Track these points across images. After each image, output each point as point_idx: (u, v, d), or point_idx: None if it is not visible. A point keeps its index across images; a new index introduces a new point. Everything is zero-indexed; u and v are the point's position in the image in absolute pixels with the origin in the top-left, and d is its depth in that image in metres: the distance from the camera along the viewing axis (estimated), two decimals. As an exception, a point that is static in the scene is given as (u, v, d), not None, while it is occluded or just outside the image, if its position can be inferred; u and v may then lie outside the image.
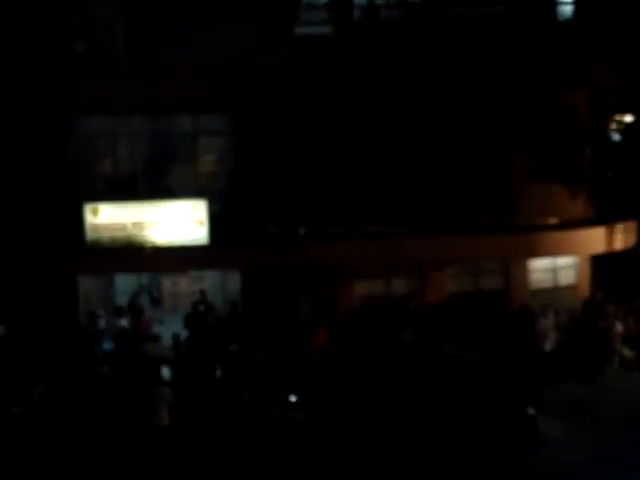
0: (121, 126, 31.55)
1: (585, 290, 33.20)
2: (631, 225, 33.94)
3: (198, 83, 29.96)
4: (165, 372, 25.52)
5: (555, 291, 32.75)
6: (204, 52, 30.08)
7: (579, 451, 21.94)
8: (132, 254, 30.08)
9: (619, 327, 30.01)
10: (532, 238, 32.13)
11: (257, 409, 22.31)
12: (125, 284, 32.09)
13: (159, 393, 23.91)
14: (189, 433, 23.14)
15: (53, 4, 29.87)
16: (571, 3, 33.49)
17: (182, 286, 32.20)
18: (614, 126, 47.37)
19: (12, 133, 30.11)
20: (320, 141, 31.26)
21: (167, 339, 28.58)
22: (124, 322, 29.86)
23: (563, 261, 33.22)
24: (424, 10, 31.74)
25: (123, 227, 30.17)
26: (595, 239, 32.94)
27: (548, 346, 29.22)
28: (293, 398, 21.99)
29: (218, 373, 26.56)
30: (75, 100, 29.89)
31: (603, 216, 33.77)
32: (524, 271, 32.78)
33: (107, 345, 28.49)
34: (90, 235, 29.94)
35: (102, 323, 30.09)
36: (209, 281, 31.96)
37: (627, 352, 29.85)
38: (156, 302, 31.71)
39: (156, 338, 28.99)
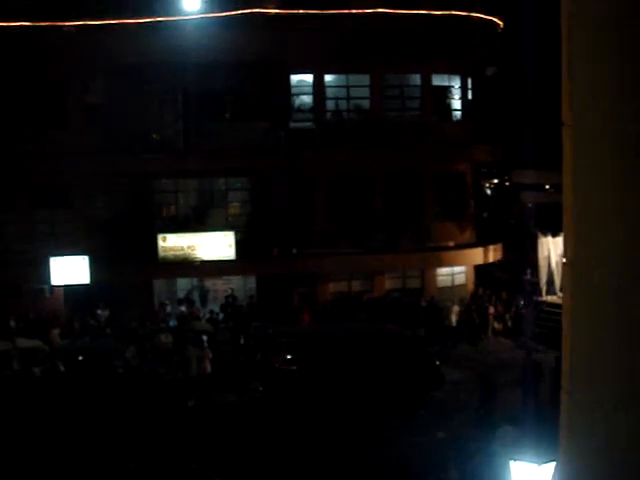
0: (180, 185, 31.56)
1: (471, 287, 33.01)
2: (498, 246, 33.57)
3: (228, 158, 29.68)
4: (205, 340, 25.63)
5: (453, 288, 32.40)
6: (232, 138, 30.19)
7: (467, 388, 22.10)
8: (187, 266, 29.87)
9: (491, 309, 29.98)
10: (438, 254, 31.98)
11: (267, 364, 22.39)
12: (183, 285, 31.97)
13: (199, 352, 24.10)
14: (224, 378, 23.19)
15: (138, 111, 29.95)
16: (459, 110, 33.69)
17: (218, 286, 31.97)
18: (487, 185, 47.84)
19: (112, 190, 30.20)
20: (306, 194, 31.00)
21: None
22: (182, 308, 29.96)
23: (457, 269, 32.99)
24: (371, 114, 31.84)
25: (181, 249, 29.85)
26: (476, 255, 32.69)
27: (453, 322, 29.34)
28: (289, 357, 22.16)
29: (242, 341, 26.75)
30: (152, 169, 29.89)
31: (481, 240, 33.69)
32: (433, 275, 32.52)
33: (172, 323, 28.51)
34: (161, 254, 29.70)
35: (168, 309, 30.18)
36: (236, 282, 31.42)
37: (496, 325, 29.85)
38: (203, 297, 31.45)
39: (200, 318, 29.22)
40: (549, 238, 30.19)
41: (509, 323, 29.80)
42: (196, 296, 31.15)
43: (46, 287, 29.77)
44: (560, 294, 28.64)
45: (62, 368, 22.07)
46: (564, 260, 3.55)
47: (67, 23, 29.40)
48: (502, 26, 33.29)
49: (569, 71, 3.22)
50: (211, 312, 29.12)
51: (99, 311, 28.78)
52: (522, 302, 30.31)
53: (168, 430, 17.98)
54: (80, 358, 22.66)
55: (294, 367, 21.86)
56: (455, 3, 31.24)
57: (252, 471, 14.90)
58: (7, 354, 21.81)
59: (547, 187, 43.24)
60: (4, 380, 20.98)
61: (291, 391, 20.99)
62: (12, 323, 27.00)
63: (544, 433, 8.34)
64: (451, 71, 32.95)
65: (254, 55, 29.21)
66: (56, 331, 26.53)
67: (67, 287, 29.40)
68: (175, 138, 30.29)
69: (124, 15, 29.46)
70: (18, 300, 29.11)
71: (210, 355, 23.96)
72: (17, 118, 30.21)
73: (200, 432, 18.03)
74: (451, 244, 32.55)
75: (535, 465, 8.08)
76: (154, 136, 30.00)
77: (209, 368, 23.68)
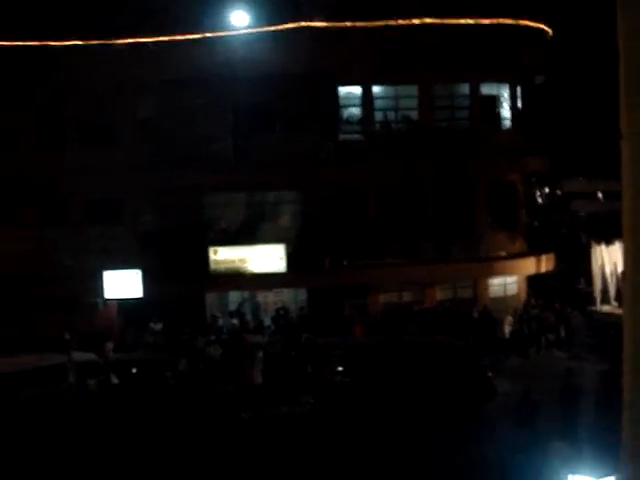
0: (231, 198, 31.58)
1: (523, 297, 32.62)
2: (550, 255, 33.28)
3: (278, 171, 29.91)
4: (259, 354, 25.66)
5: (505, 298, 32.09)
6: (281, 151, 30.27)
7: (518, 399, 21.96)
8: (238, 279, 29.97)
9: (549, 319, 29.46)
10: (489, 265, 31.78)
11: (318, 376, 22.42)
12: (234, 298, 31.96)
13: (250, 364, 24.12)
14: (275, 389, 23.09)
15: (188, 125, 30.25)
16: (509, 119, 33.48)
17: (269, 298, 32.02)
18: (538, 194, 47.39)
19: (163, 205, 30.46)
20: (356, 205, 30.99)
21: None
22: (234, 321, 30.07)
23: (510, 279, 32.70)
24: (419, 124, 31.78)
25: (233, 261, 29.99)
26: (529, 265, 32.41)
27: (506, 334, 28.88)
28: (341, 369, 22.17)
29: (293, 353, 26.73)
30: (203, 183, 30.12)
31: (533, 250, 33.40)
32: (486, 286, 32.15)
33: (224, 336, 28.62)
34: (212, 267, 29.85)
35: (220, 322, 30.34)
36: (287, 295, 31.46)
37: (549, 336, 29.59)
38: (255, 310, 31.51)
39: (252, 331, 29.22)
40: (602, 247, 29.78)
41: (562, 334, 29.37)
42: (247, 309, 31.24)
43: (99, 301, 30.15)
44: (614, 303, 28.27)
45: (116, 380, 22.33)
46: (621, 271, 3.50)
47: (117, 41, 29.93)
48: (551, 34, 33.06)
49: (627, 85, 3.19)
50: (262, 324, 29.20)
51: (152, 324, 29.01)
52: (575, 312, 29.88)
53: (223, 442, 18.07)
54: (133, 370, 22.90)
55: (346, 379, 21.83)
56: (503, 12, 31.09)
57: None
58: (63, 367, 22.13)
59: (599, 195, 42.69)
60: (61, 392, 21.28)
61: (343, 403, 20.93)
62: (67, 336, 27.37)
63: (599, 447, 8.26)
64: (500, 80, 32.79)
65: (302, 68, 29.42)
66: (110, 344, 26.80)
67: (120, 301, 29.74)
68: (225, 152, 30.47)
69: (173, 31, 29.87)
70: (72, 314, 29.52)
71: (261, 366, 23.99)
72: (69, 133, 30.83)
73: (254, 444, 18.09)
74: (503, 254, 32.26)
75: (593, 479, 7.98)
76: (206, 150, 30.09)
77: (260, 379, 23.71)
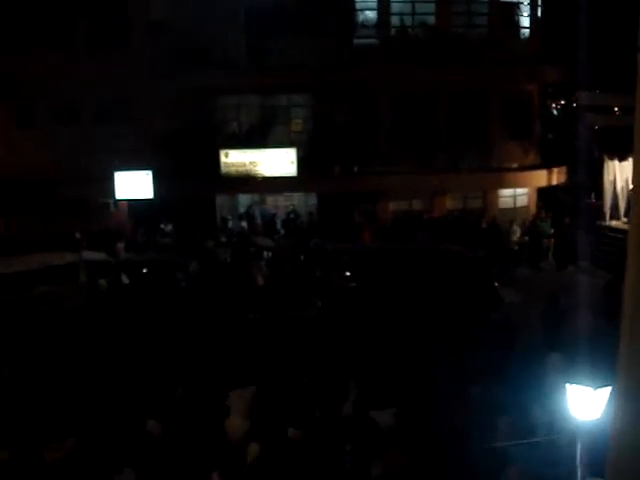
0: (243, 100, 31.47)
1: (533, 209, 32.54)
2: (563, 168, 33.16)
3: (291, 74, 29.61)
4: (265, 255, 25.87)
5: (514, 210, 32.05)
6: (295, 55, 29.98)
7: (524, 310, 21.87)
8: (249, 181, 30.12)
9: (552, 232, 29.52)
10: (501, 176, 31.74)
11: (327, 280, 22.54)
12: (245, 200, 32.18)
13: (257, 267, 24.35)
14: (280, 290, 23.25)
15: (201, 27, 29.79)
16: (528, 27, 32.89)
17: (280, 202, 32.17)
18: (553, 106, 46.80)
19: (175, 106, 30.29)
20: (369, 111, 30.84)
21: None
22: (244, 224, 30.34)
23: (520, 191, 32.69)
24: (436, 30, 31.32)
25: (243, 164, 30.12)
26: (540, 177, 32.38)
27: (513, 244, 29.14)
28: (348, 273, 22.36)
29: (301, 257, 26.95)
30: (215, 85, 29.86)
31: (545, 162, 33.27)
32: (496, 197, 32.23)
33: (234, 239, 28.84)
34: (223, 169, 30.02)
35: (230, 224, 30.60)
36: (297, 199, 31.70)
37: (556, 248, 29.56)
38: (265, 213, 31.61)
39: (261, 234, 29.44)
40: (615, 162, 29.56)
41: (567, 246, 29.45)
42: (257, 212, 31.42)
43: (110, 201, 30.34)
44: (624, 219, 28.24)
45: (126, 280, 22.60)
46: (632, 186, 3.52)
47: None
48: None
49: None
50: (272, 228, 29.35)
51: (162, 225, 29.28)
52: (585, 226, 29.91)
53: (230, 340, 18.36)
54: (144, 271, 23.15)
55: (353, 284, 22.02)
56: None
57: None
58: (74, 266, 22.34)
59: (615, 110, 42.09)
60: (72, 291, 21.57)
61: (349, 308, 21.04)
62: (78, 236, 27.62)
63: (597, 358, 8.36)
64: (521, -14, 32.11)
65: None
66: (121, 244, 27.10)
67: (131, 201, 29.91)
68: (238, 54, 30.15)
69: None
70: (83, 214, 29.73)
71: (264, 269, 24.18)
72: (80, 35, 30.50)
73: (260, 343, 18.37)
74: (514, 165, 32.22)
75: (591, 389, 8.13)
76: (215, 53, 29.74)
77: (261, 281, 23.89)
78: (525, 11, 32.59)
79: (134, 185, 29.28)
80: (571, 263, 27.84)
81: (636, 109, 3.39)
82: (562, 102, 48.38)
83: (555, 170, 32.75)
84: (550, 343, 16.68)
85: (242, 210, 31.50)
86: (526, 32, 32.84)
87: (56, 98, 30.58)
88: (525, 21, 32.75)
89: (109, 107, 30.57)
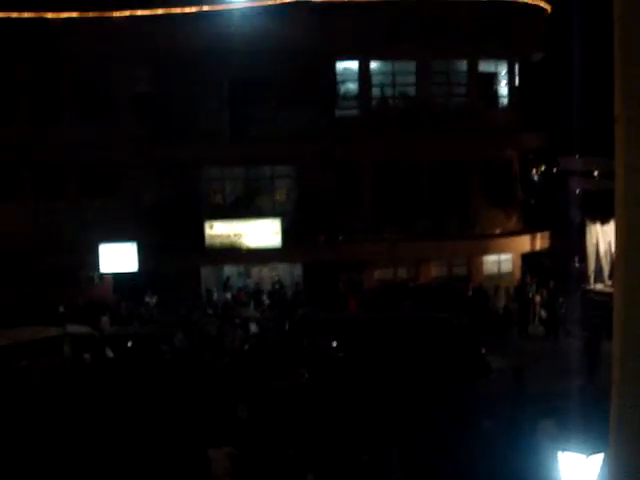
0: (227, 172, 31.75)
1: (518, 275, 32.70)
2: (545, 233, 33.47)
3: (274, 145, 29.90)
4: (252, 326, 25.77)
5: (499, 276, 32.26)
6: (278, 126, 30.27)
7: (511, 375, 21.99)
8: (234, 253, 30.10)
9: (538, 298, 29.72)
10: (484, 242, 31.93)
11: (313, 350, 22.40)
12: (230, 272, 32.01)
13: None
14: (268, 362, 23.32)
15: (185, 99, 30.19)
16: (507, 96, 33.43)
17: (265, 272, 32.11)
18: (534, 171, 47.33)
19: (160, 178, 30.45)
20: (352, 180, 31.09)
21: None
22: (229, 295, 30.25)
23: (504, 257, 32.78)
24: (417, 100, 31.81)
25: (228, 236, 30.15)
26: (523, 243, 32.64)
27: (499, 310, 29.14)
28: (335, 343, 22.27)
29: (286, 327, 26.80)
30: (199, 157, 30.18)
31: (528, 227, 33.54)
32: (480, 263, 32.32)
33: (219, 310, 28.69)
34: (208, 241, 30.03)
35: (215, 296, 30.49)
36: (282, 269, 31.66)
37: (543, 313, 29.68)
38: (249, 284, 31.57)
39: (247, 305, 29.39)
40: (597, 225, 29.82)
41: (556, 311, 29.49)
42: (241, 283, 31.32)
43: (95, 274, 30.22)
44: (608, 282, 28.35)
45: (111, 354, 22.39)
46: (614, 248, 3.55)
47: (115, 13, 29.79)
48: (549, 11, 32.96)
49: (622, 70, 3.24)
50: (258, 299, 29.30)
51: (147, 298, 29.15)
52: (570, 290, 30.00)
53: (215, 414, 18.15)
54: (129, 344, 22.96)
55: (340, 354, 21.93)
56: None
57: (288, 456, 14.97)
58: (58, 340, 22.14)
59: (595, 174, 42.68)
60: (56, 365, 21.33)
61: (337, 378, 20.89)
62: (61, 309, 27.45)
63: (590, 424, 8.31)
64: (498, 57, 32.73)
65: (300, 42, 29.33)
66: (105, 318, 26.91)
67: (116, 274, 29.80)
68: (222, 126, 30.50)
69: (171, 4, 29.73)
70: (68, 287, 29.58)
71: (242, 337, 24.06)
72: (67, 108, 30.72)
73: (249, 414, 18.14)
74: (498, 231, 32.39)
75: (583, 456, 8.07)
76: (201, 124, 30.18)
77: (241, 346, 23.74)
78: (503, 80, 33.17)
79: (119, 258, 29.23)
80: (558, 328, 27.87)
81: (616, 178, 3.45)
82: (543, 168, 49.05)
83: (538, 235, 33.00)
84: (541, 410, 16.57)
85: (230, 282, 31.40)
86: (505, 101, 33.37)
87: (42, 170, 30.66)
88: (503, 90, 33.30)
89: (94, 179, 30.68)
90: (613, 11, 3.44)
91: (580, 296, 29.03)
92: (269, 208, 31.42)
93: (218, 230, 30.17)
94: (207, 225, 30.10)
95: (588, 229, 30.14)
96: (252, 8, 30.16)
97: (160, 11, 29.89)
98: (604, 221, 29.00)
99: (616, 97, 3.36)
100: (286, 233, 30.02)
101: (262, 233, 30.20)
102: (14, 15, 30.00)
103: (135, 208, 30.35)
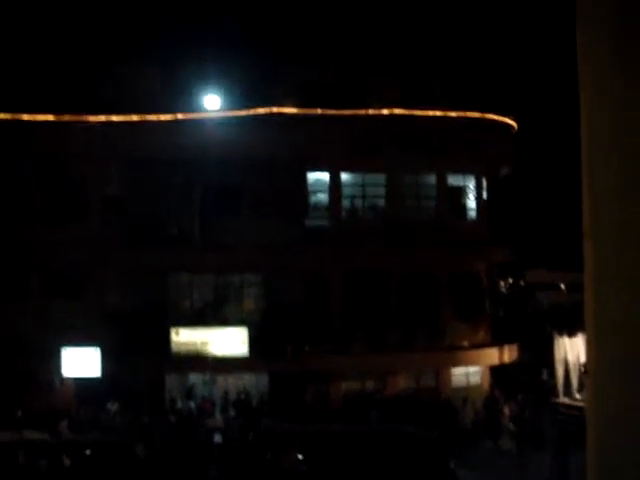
0: (195, 278, 31.61)
1: (486, 387, 32.46)
2: (514, 346, 33.37)
3: (243, 254, 29.91)
4: (217, 437, 25.32)
5: (468, 388, 31.97)
6: (248, 234, 30.36)
7: None
8: (199, 361, 29.71)
9: (506, 410, 29.55)
10: (452, 354, 31.81)
11: (277, 463, 22.10)
12: (195, 380, 31.56)
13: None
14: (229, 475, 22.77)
15: (156, 204, 30.41)
16: (475, 210, 34.02)
17: (230, 381, 31.62)
18: (502, 284, 47.76)
19: (127, 282, 30.30)
20: (321, 291, 31.04)
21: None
22: (192, 404, 29.77)
23: (473, 369, 32.70)
24: (386, 212, 32.23)
25: (194, 343, 29.82)
26: (492, 355, 32.45)
27: (467, 423, 28.99)
28: (300, 457, 21.92)
29: (250, 438, 26.32)
30: (168, 262, 30.24)
31: (496, 340, 33.41)
32: (448, 375, 32.11)
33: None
34: (174, 348, 29.65)
35: (179, 404, 29.94)
36: (248, 379, 30.95)
37: (511, 426, 29.42)
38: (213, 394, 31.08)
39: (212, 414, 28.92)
40: (565, 338, 29.98)
41: (525, 425, 29.29)
42: (207, 391, 30.85)
43: (56, 378, 29.65)
44: (577, 395, 28.32)
45: (68, 462, 21.78)
46: (582, 362, 3.54)
47: (90, 117, 30.20)
48: (517, 127, 33.91)
49: (590, 186, 3.30)
50: (224, 408, 28.85)
51: (109, 405, 28.55)
52: (538, 403, 29.89)
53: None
54: (87, 452, 22.38)
55: (304, 468, 21.53)
56: (470, 105, 31.91)
57: None
58: (13, 446, 21.55)
59: (562, 287, 43.16)
60: (9, 473, 20.69)
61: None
62: (19, 414, 26.81)
63: None
64: (466, 171, 33.45)
65: (272, 152, 29.79)
66: (64, 424, 26.31)
67: (77, 379, 29.26)
68: (192, 232, 30.65)
69: (146, 111, 30.23)
70: (27, 390, 28.94)
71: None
72: (37, 208, 30.76)
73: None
74: (466, 344, 32.35)
75: None
76: (171, 230, 30.32)
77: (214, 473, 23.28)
78: (471, 194, 33.80)
79: (81, 362, 28.79)
80: (528, 441, 27.65)
81: (585, 292, 3.47)
82: (511, 280, 49.57)
83: (506, 347, 32.91)
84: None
85: (195, 390, 30.87)
86: (473, 214, 33.93)
87: (6, 269, 30.39)
88: (472, 203, 33.88)
89: (60, 280, 30.46)
90: (580, 127, 3.53)
91: (549, 410, 28.94)
92: (237, 316, 31.15)
93: (184, 337, 29.87)
94: (173, 331, 29.78)
95: (556, 342, 30.28)
96: (225, 117, 30.73)
97: (135, 117, 30.34)
98: (571, 334, 29.18)
99: (584, 213, 3.41)
100: (253, 342, 29.72)
101: (229, 341, 29.91)
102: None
103: (101, 311, 30.01)
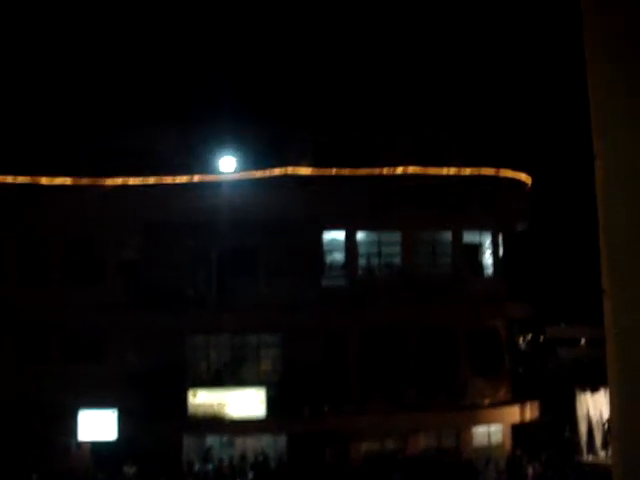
0: (212, 340, 31.55)
1: (508, 446, 31.90)
2: (535, 403, 33.04)
3: (260, 315, 29.98)
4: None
5: (489, 447, 31.50)
6: (265, 295, 30.45)
7: None
8: (217, 423, 29.51)
9: (530, 470, 29.11)
10: (473, 413, 31.46)
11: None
12: (213, 442, 31.22)
13: None
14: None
15: (173, 267, 30.54)
16: (491, 266, 33.94)
17: (248, 443, 31.29)
18: (521, 340, 47.44)
19: (145, 344, 30.26)
20: (339, 350, 30.89)
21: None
22: (209, 467, 29.48)
23: (494, 427, 32.18)
24: (402, 270, 32.18)
25: (212, 405, 29.60)
26: (513, 413, 32.10)
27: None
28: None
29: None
30: (186, 324, 30.24)
31: (517, 397, 33.08)
32: (470, 434, 31.63)
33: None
34: (191, 410, 29.44)
35: (196, 467, 29.63)
36: (266, 440, 30.67)
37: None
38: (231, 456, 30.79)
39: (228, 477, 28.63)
40: (587, 394, 29.62)
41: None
42: (225, 454, 30.54)
43: (73, 441, 29.48)
44: (601, 453, 27.91)
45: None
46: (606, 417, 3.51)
47: (107, 180, 30.56)
48: (531, 183, 34.00)
49: (607, 242, 3.31)
50: (243, 471, 28.51)
51: (126, 468, 28.31)
52: (562, 462, 29.41)
53: None
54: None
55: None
56: (483, 161, 32.09)
57: None
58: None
59: (582, 342, 42.82)
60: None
61: None
62: (34, 477, 26.61)
63: None
64: (482, 227, 33.39)
65: (287, 213, 29.98)
66: (81, 488, 26.07)
67: (94, 442, 29.06)
68: (208, 293, 30.70)
69: (162, 173, 30.56)
70: (43, 453, 28.77)
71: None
72: (53, 269, 30.96)
73: None
74: (486, 402, 32.02)
75: None
76: (188, 292, 30.41)
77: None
78: (487, 251, 33.75)
79: (98, 425, 28.60)
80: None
81: (607, 348, 3.47)
82: (530, 336, 49.21)
83: (527, 405, 32.57)
84: None
85: (213, 452, 30.55)
86: (489, 270, 33.83)
87: (25, 332, 30.46)
88: (488, 260, 33.81)
89: (78, 343, 30.48)
90: (595, 183, 3.55)
91: (572, 468, 28.48)
92: (254, 377, 31.01)
93: (201, 399, 29.68)
94: (190, 393, 29.61)
95: (578, 398, 29.92)
96: (240, 179, 30.99)
97: (151, 180, 30.65)
98: (594, 390, 28.84)
99: (603, 268, 3.42)
100: (271, 403, 29.53)
101: (246, 403, 29.70)
102: (9, 180, 30.62)
103: (118, 373, 29.92)
